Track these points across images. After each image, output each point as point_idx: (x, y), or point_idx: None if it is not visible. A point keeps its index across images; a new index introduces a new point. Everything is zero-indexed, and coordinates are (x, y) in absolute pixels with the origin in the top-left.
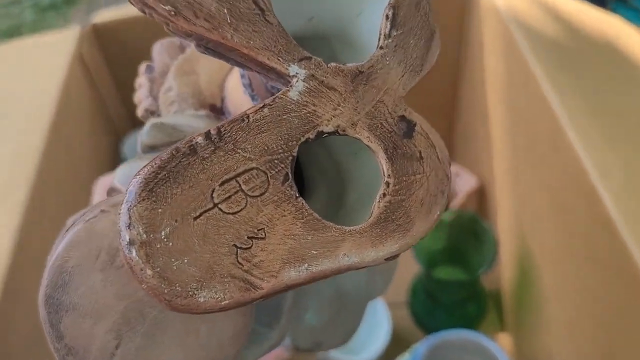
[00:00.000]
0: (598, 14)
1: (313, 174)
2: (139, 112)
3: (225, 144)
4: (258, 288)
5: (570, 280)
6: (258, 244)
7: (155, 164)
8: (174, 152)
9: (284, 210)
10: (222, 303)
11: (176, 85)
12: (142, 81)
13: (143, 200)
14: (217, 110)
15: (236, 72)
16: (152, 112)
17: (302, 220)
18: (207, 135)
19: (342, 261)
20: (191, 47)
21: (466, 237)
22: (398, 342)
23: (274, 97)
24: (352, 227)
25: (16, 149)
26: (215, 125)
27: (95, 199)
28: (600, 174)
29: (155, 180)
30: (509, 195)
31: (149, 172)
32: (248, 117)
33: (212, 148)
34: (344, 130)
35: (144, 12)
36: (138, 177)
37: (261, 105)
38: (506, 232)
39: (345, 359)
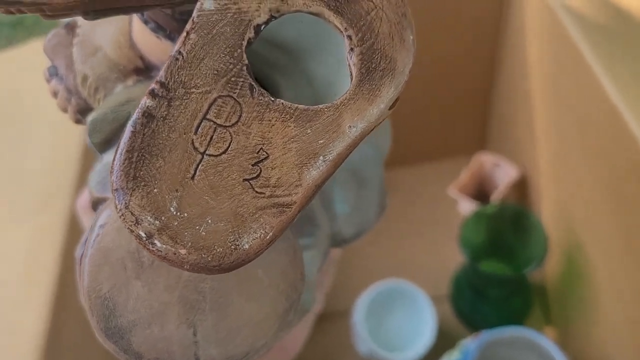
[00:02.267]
0: None
1: (273, 77)
2: (71, 117)
3: (176, 92)
4: (291, 204)
5: (629, 275)
6: (265, 165)
7: (122, 150)
8: (132, 129)
9: (270, 120)
10: (268, 237)
11: (90, 71)
12: (54, 86)
13: (134, 190)
14: (141, 71)
15: (136, 24)
16: (83, 111)
17: (292, 119)
18: (153, 93)
19: (352, 133)
20: (80, 27)
21: (510, 230)
22: (441, 337)
23: (191, 19)
24: (342, 97)
25: (54, 154)
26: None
27: (84, 221)
28: None
29: (133, 166)
30: (556, 186)
31: (121, 161)
32: (180, 53)
33: (166, 103)
34: (278, 11)
35: (11, 12)
36: (114, 172)
37: (184, 34)
38: (552, 224)
39: (391, 358)
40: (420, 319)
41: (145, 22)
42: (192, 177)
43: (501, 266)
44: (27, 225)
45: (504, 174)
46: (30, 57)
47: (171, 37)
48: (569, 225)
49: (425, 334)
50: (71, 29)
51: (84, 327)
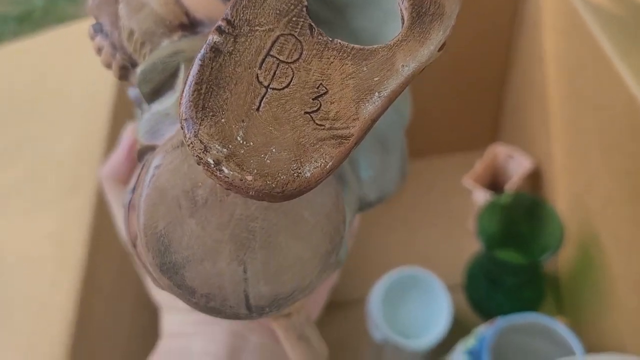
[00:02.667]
0: None
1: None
2: (115, 73)
3: (241, 29)
4: (349, 137)
5: None
6: (325, 99)
7: (191, 82)
8: (200, 62)
9: (329, 58)
10: (328, 166)
11: (136, 26)
12: (98, 42)
13: (203, 120)
14: (187, 26)
15: None
16: (128, 66)
17: (349, 58)
18: (220, 30)
19: (404, 72)
20: None
21: (525, 220)
22: (455, 325)
23: None
24: (395, 38)
25: (81, 138)
26: (200, 38)
27: (108, 189)
28: None
29: (202, 97)
30: (571, 178)
31: (190, 93)
32: None
33: (232, 39)
34: None
35: None
36: (184, 102)
37: None
38: (566, 215)
39: (406, 344)
40: (436, 306)
41: None
42: (257, 109)
43: (515, 255)
44: (55, 209)
45: (518, 165)
46: (54, 44)
47: None
48: (584, 216)
49: (440, 321)
50: None
51: (111, 307)
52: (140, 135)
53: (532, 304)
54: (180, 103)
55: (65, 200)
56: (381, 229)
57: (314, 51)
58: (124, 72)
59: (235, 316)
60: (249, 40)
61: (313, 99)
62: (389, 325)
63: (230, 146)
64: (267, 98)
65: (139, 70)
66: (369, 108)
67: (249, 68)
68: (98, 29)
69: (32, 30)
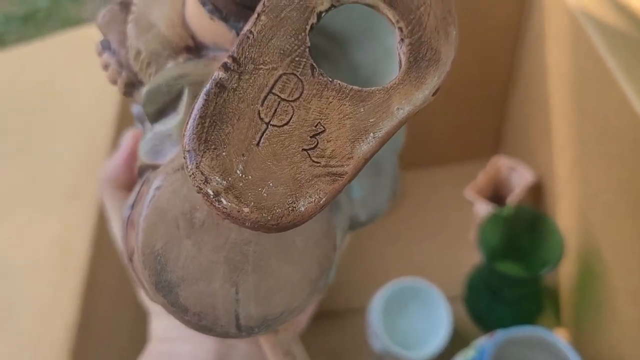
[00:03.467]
0: None
1: (319, 63)
2: (121, 90)
3: (246, 67)
4: (343, 174)
5: None
6: (322, 138)
7: (196, 115)
8: (205, 97)
9: (328, 98)
10: (321, 202)
11: (143, 46)
12: (105, 59)
13: (205, 152)
14: (192, 49)
15: (191, 5)
16: (133, 83)
17: (347, 98)
18: (226, 67)
19: (399, 114)
20: (135, 5)
21: (526, 233)
22: (454, 337)
23: (262, 2)
24: (391, 82)
25: (84, 143)
26: (204, 62)
27: (105, 192)
28: None
29: (205, 130)
30: (574, 192)
31: (194, 126)
32: (251, 32)
33: (237, 76)
34: (338, 1)
35: None
36: (187, 135)
37: (255, 15)
38: (568, 228)
39: (406, 355)
40: (436, 318)
41: (203, 4)
42: (257, 144)
43: (516, 268)
44: (58, 214)
45: (520, 178)
46: (60, 49)
47: (226, 19)
48: (585, 229)
49: (440, 333)
50: (125, 6)
51: (114, 312)
52: (142, 153)
53: (532, 317)
54: (184, 134)
55: (68, 205)
56: (382, 239)
57: (314, 91)
58: (129, 90)
59: (225, 334)
60: (252, 77)
61: (311, 137)
62: (389, 336)
63: (229, 179)
64: (267, 134)
65: (144, 90)
66: (364, 148)
67: (252, 104)
68: (106, 46)
69: (36, 30)
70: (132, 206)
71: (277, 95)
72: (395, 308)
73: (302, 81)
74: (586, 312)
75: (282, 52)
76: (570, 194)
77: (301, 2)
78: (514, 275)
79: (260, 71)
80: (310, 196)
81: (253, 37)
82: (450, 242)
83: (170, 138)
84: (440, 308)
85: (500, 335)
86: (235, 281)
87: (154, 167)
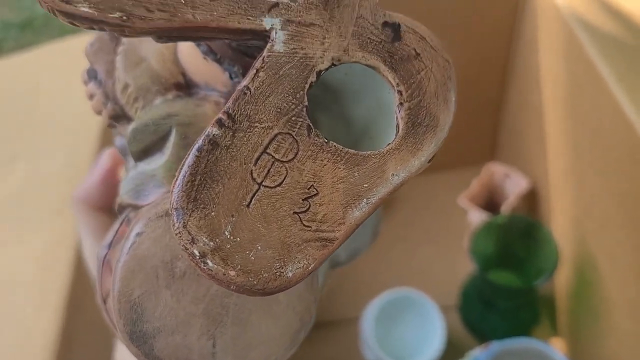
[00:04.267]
0: None
1: (313, 112)
2: (105, 121)
3: (241, 124)
4: (333, 240)
5: None
6: (314, 201)
7: (186, 172)
8: (197, 154)
9: (322, 160)
10: (310, 268)
11: (132, 80)
12: (91, 89)
13: (193, 211)
14: (182, 86)
15: (184, 43)
16: (119, 116)
17: (342, 162)
18: (220, 123)
19: (394, 181)
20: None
21: (521, 241)
22: (449, 347)
23: (261, 57)
24: (388, 146)
25: (70, 159)
26: (194, 102)
27: (79, 214)
28: None
29: (195, 188)
30: (568, 199)
31: (184, 183)
32: (248, 88)
33: (231, 134)
34: (339, 60)
35: (92, 28)
36: (176, 192)
37: (254, 71)
38: (562, 236)
39: None
40: (429, 328)
41: (197, 44)
42: (248, 205)
43: (511, 277)
44: (42, 230)
45: (515, 185)
46: (47, 59)
47: (220, 62)
48: (580, 238)
49: (433, 343)
50: (115, 36)
51: (96, 331)
52: (123, 192)
53: (527, 326)
54: (172, 191)
55: (52, 222)
56: (375, 248)
57: (309, 152)
58: (114, 122)
59: None
60: (247, 136)
61: (303, 200)
62: (381, 346)
63: (217, 240)
64: (258, 195)
65: (130, 128)
66: (356, 214)
67: (244, 164)
68: (92, 75)
69: (34, 38)
70: (109, 245)
71: (272, 155)
72: (389, 318)
73: (297, 142)
74: (583, 322)
75: (279, 110)
76: (565, 201)
77: (301, 60)
78: (506, 286)
79: (255, 129)
80: (298, 261)
81: (250, 93)
82: (445, 250)
83: (154, 179)
84: (434, 318)
85: (495, 346)
86: (213, 334)
87: (135, 207)
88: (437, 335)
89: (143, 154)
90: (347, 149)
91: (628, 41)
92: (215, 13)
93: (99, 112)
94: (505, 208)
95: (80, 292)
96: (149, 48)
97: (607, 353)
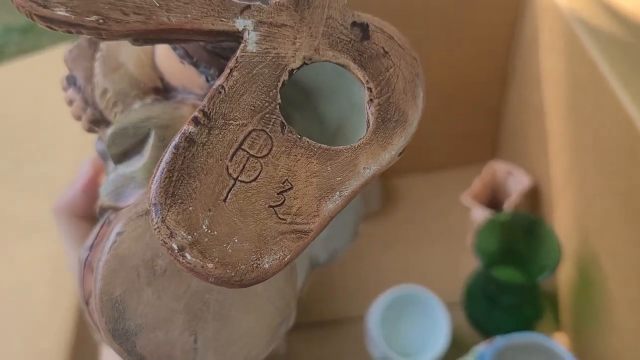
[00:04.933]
0: None
1: (287, 111)
2: (84, 126)
3: (216, 122)
4: (308, 232)
5: None
6: (289, 195)
7: (164, 169)
8: (174, 150)
9: (296, 155)
10: (286, 259)
11: (110, 85)
12: (70, 95)
13: (171, 207)
14: (160, 90)
15: (161, 47)
16: (98, 121)
17: (315, 157)
18: (196, 121)
19: (366, 174)
20: (104, 42)
21: (524, 238)
22: (454, 344)
23: (235, 57)
24: (359, 141)
25: (74, 165)
26: (172, 105)
27: (60, 222)
28: None
29: (172, 184)
30: (570, 197)
31: (162, 179)
32: (223, 87)
33: (207, 131)
34: (310, 59)
35: (70, 32)
36: (154, 188)
37: (228, 71)
38: (564, 233)
39: None
40: (435, 325)
41: (174, 48)
42: (224, 200)
43: (514, 273)
44: (51, 230)
45: (517, 183)
46: (49, 64)
47: (197, 65)
48: (583, 235)
49: (439, 340)
50: (94, 42)
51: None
52: (103, 194)
53: (531, 322)
54: (150, 187)
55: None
56: (379, 246)
57: (283, 148)
58: (93, 127)
59: None
60: (222, 133)
61: (278, 194)
62: (388, 344)
63: (195, 234)
64: (234, 190)
65: (109, 132)
66: (330, 206)
67: (220, 160)
68: (72, 82)
69: (36, 42)
70: (91, 248)
71: (246, 152)
72: (394, 316)
73: (271, 138)
74: (585, 318)
75: (252, 108)
76: (567, 199)
77: (274, 60)
78: (510, 282)
79: (230, 127)
80: (275, 253)
81: (224, 92)
82: (449, 248)
83: (134, 180)
84: (439, 315)
85: (500, 341)
86: (194, 330)
87: (116, 209)
88: (443, 332)
89: (122, 157)
90: (319, 145)
91: (629, 40)
92: (189, 15)
93: (78, 118)
94: (508, 206)
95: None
96: (127, 53)
97: (609, 350)
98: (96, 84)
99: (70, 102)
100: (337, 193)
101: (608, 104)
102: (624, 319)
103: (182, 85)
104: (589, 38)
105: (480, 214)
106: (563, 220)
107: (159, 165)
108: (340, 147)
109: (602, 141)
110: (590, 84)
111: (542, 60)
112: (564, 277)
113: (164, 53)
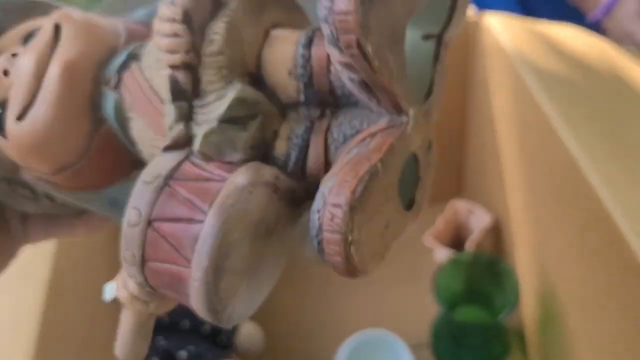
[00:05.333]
0: (607, 48)
1: None
2: (173, 60)
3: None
4: None
5: (598, 321)
6: None
7: (357, 191)
8: (366, 177)
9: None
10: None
11: (228, 52)
12: (179, 30)
13: (356, 213)
14: (252, 77)
15: (281, 51)
16: (188, 67)
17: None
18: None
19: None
20: (230, 8)
21: (486, 277)
22: None
23: (399, 132)
24: None
25: None
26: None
27: None
28: (624, 215)
29: (361, 200)
30: (528, 233)
31: (357, 193)
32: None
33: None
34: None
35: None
36: (346, 194)
37: (391, 141)
38: (526, 269)
39: None
40: None
41: (302, 67)
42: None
43: (479, 312)
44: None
45: (478, 221)
46: None
47: (306, 86)
48: (542, 270)
49: None
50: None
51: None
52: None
53: (498, 359)
54: (350, 193)
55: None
56: (345, 290)
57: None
58: (180, 68)
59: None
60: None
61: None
62: None
63: (355, 235)
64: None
65: (235, 95)
66: None
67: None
68: (187, 21)
69: None
70: (170, 177)
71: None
72: (361, 359)
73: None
74: (551, 352)
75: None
76: (525, 236)
77: (409, 142)
78: (472, 323)
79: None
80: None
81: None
82: (415, 289)
83: (233, 145)
84: (405, 359)
85: None
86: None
87: (207, 158)
88: None
89: (229, 121)
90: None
91: (571, 78)
92: (397, 90)
93: (173, 52)
94: (470, 244)
95: (56, 318)
96: (248, 34)
97: None
98: (213, 40)
99: (174, 35)
100: None
101: (551, 141)
102: (585, 353)
103: (274, 87)
104: (531, 76)
105: (442, 254)
106: (523, 257)
107: (353, 183)
108: None
109: (552, 178)
110: (535, 122)
111: (493, 100)
112: (529, 312)
113: (279, 57)
